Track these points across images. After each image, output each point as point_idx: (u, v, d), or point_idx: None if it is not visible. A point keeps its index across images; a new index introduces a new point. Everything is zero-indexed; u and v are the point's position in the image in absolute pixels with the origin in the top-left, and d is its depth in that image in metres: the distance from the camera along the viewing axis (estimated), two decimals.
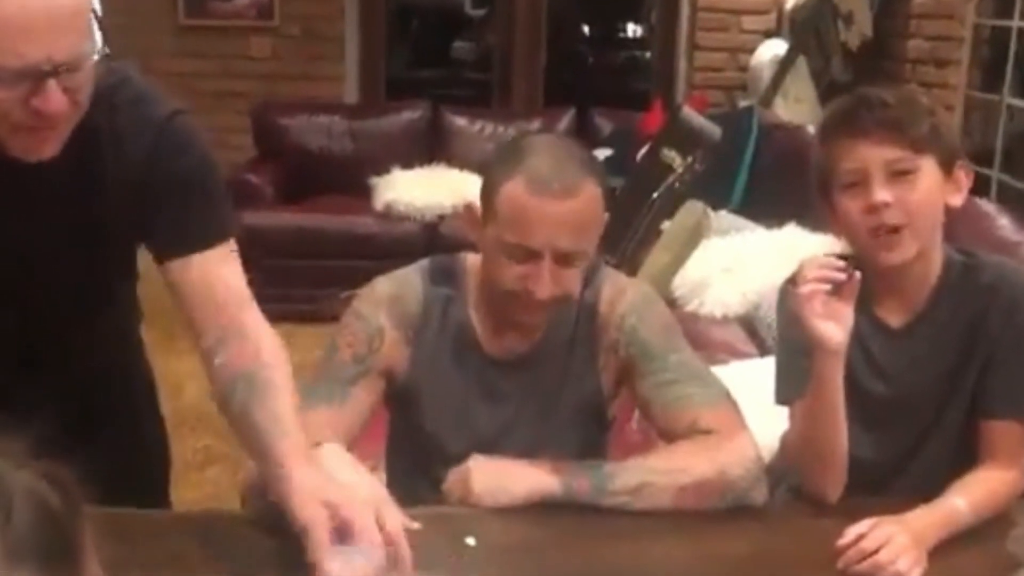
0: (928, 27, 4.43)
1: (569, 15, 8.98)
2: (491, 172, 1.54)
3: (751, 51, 5.24)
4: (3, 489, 0.56)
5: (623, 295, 1.63)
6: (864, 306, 1.55)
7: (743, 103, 5.01)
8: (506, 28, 5.88)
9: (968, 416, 1.58)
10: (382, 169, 5.08)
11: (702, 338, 3.14)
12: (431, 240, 4.62)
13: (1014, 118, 4.06)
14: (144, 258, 1.54)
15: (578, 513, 1.47)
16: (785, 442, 1.68)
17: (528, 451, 1.56)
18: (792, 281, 1.55)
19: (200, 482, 3.18)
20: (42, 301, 1.48)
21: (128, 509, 1.39)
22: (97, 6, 1.30)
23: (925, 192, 1.50)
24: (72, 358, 1.56)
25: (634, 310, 1.62)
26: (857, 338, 1.55)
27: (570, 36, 9.11)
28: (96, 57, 1.27)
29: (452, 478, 1.49)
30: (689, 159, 4.04)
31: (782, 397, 1.64)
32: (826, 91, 4.72)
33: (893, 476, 1.62)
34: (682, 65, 5.66)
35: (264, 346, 1.43)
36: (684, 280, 3.67)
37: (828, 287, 1.48)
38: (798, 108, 4.83)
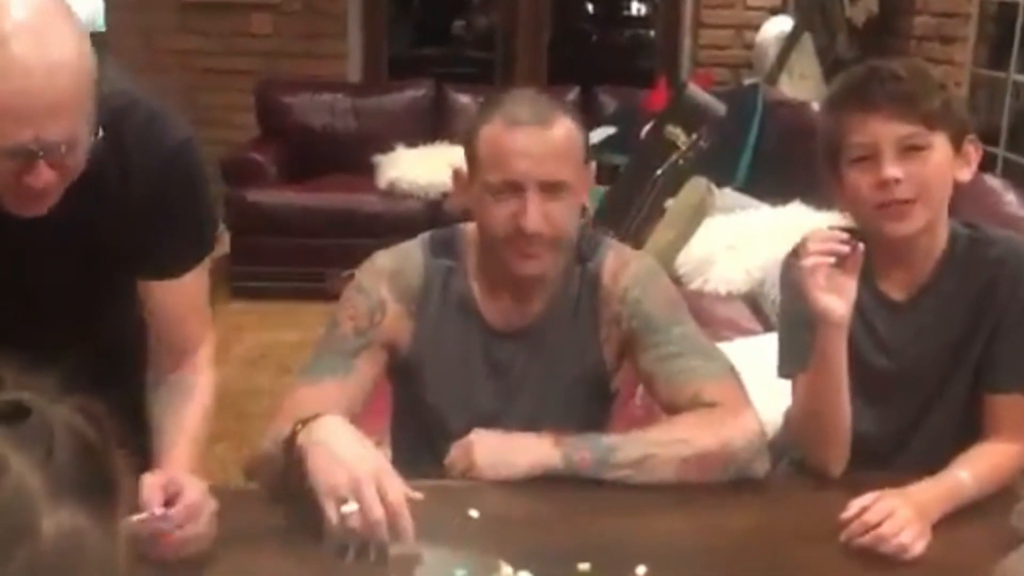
0: (934, 4, 4.40)
1: None
2: (470, 127, 1.57)
3: (756, 28, 5.22)
4: (43, 424, 0.57)
5: (627, 267, 1.63)
6: (867, 280, 1.55)
7: (748, 80, 4.99)
8: (509, 6, 5.85)
9: (972, 389, 1.57)
10: (385, 147, 5.07)
11: (706, 315, 3.14)
12: (434, 218, 4.61)
13: (1020, 95, 4.04)
14: None
15: (580, 487, 1.47)
16: (788, 416, 1.68)
17: (530, 422, 1.56)
18: (795, 254, 1.55)
19: (207, 458, 3.19)
20: (44, 320, 1.50)
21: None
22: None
23: (936, 167, 1.49)
24: (75, 371, 1.57)
25: (638, 283, 1.61)
26: (860, 312, 1.55)
27: (574, 14, 9.06)
28: (92, 138, 1.27)
29: (454, 451, 1.50)
30: (693, 136, 4.03)
31: (785, 371, 1.63)
32: (831, 68, 4.69)
33: (896, 450, 1.62)
34: (687, 43, 5.63)
35: (197, 361, 1.56)
36: (688, 257, 3.67)
37: (831, 260, 1.47)
38: (803, 85, 4.80)
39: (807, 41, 4.87)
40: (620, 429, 1.65)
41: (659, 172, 4.03)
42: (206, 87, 5.47)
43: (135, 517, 1.22)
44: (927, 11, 4.45)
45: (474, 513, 1.42)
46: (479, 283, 1.64)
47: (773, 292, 2.97)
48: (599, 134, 4.83)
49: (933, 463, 1.50)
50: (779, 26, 5.04)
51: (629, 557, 1.32)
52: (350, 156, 5.15)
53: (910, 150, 1.48)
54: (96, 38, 5.61)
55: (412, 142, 5.05)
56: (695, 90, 4.26)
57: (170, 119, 1.47)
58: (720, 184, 4.01)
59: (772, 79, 4.86)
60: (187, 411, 1.51)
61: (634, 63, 7.68)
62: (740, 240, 3.59)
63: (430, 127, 5.28)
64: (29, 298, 1.46)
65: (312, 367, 1.60)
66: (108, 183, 1.40)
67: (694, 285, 3.53)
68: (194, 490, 1.31)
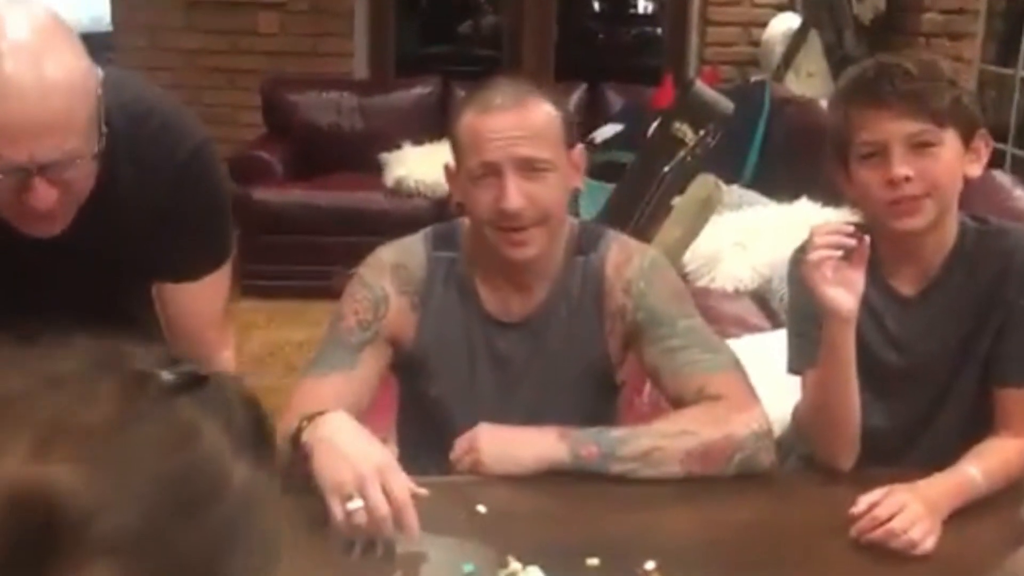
0: (942, 0, 4.39)
1: None
2: (453, 120, 1.59)
3: (763, 25, 5.20)
4: (220, 391, 0.64)
5: (631, 259, 1.63)
6: (876, 275, 1.54)
7: (755, 77, 4.98)
8: (516, 4, 5.84)
9: (981, 384, 1.57)
10: (392, 145, 5.07)
11: (714, 312, 3.13)
12: (441, 216, 4.60)
13: None
14: None
15: (587, 481, 1.47)
16: (797, 412, 1.67)
17: (534, 414, 1.56)
18: (802, 249, 1.54)
19: None
20: (65, 332, 1.50)
21: None
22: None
23: (946, 164, 1.48)
24: None
25: (643, 275, 1.61)
26: (869, 307, 1.54)
27: (580, 12, 9.06)
28: (94, 152, 1.26)
29: (460, 446, 1.49)
30: (701, 133, 4.01)
31: (794, 366, 1.63)
32: (838, 65, 4.67)
33: (906, 445, 1.61)
34: (694, 40, 5.62)
35: (216, 364, 1.53)
36: (696, 255, 3.66)
37: (838, 253, 1.46)
38: (810, 82, 4.79)
39: (814, 38, 4.86)
40: (628, 425, 1.65)
41: (666, 169, 4.01)
42: (212, 86, 5.47)
43: None
44: (935, 8, 4.44)
45: (481, 508, 1.42)
46: (480, 274, 1.64)
47: (781, 289, 2.97)
48: (606, 131, 4.83)
49: (943, 458, 1.49)
50: (786, 23, 5.03)
51: (638, 552, 1.32)
52: (357, 154, 5.14)
53: (920, 147, 1.47)
54: (102, 37, 5.60)
55: (419, 140, 5.04)
56: (702, 87, 4.24)
57: (185, 124, 1.47)
58: (727, 181, 4.00)
59: (779, 76, 4.85)
60: None
61: (641, 60, 7.67)
62: (747, 237, 3.58)
63: (437, 125, 5.26)
64: (49, 310, 1.47)
65: (318, 362, 1.60)
66: (125, 191, 1.40)
67: (702, 282, 3.52)
68: None
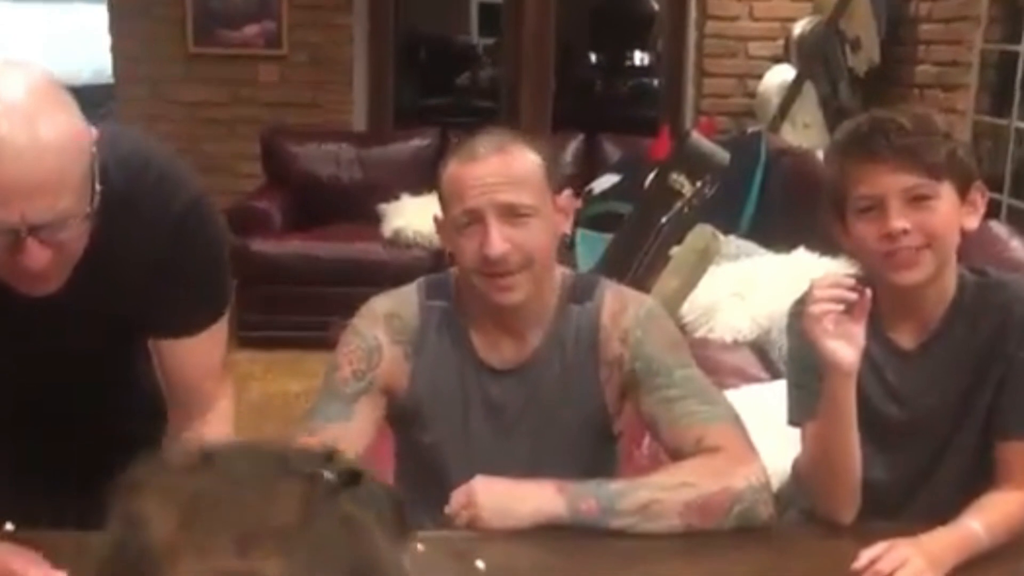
0: (936, 53, 4.43)
1: (577, 43, 9.02)
2: (439, 172, 1.61)
3: (758, 77, 5.25)
4: (373, 487, 0.71)
5: (627, 309, 1.63)
6: (876, 328, 1.54)
7: (751, 128, 5.01)
8: (514, 56, 5.90)
9: (982, 437, 1.56)
10: (390, 196, 5.09)
11: (712, 363, 3.12)
12: (439, 267, 4.58)
13: (1023, 142, 4.05)
14: None
15: (585, 535, 1.46)
16: (798, 464, 1.66)
17: (530, 462, 1.56)
18: (802, 301, 1.54)
19: None
20: (63, 386, 1.52)
21: None
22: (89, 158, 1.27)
23: (943, 217, 1.49)
24: (88, 423, 1.59)
25: (639, 324, 1.61)
26: (870, 360, 1.54)
27: (578, 64, 9.15)
28: (87, 212, 1.26)
29: (456, 500, 1.48)
30: (698, 184, 4.03)
31: (794, 418, 1.62)
32: (834, 116, 4.71)
33: (907, 498, 1.60)
34: (690, 92, 5.67)
35: (210, 418, 1.57)
36: (694, 305, 3.66)
37: (840, 307, 1.46)
38: (806, 133, 4.83)
39: (809, 90, 4.90)
40: (626, 478, 1.64)
41: (664, 220, 4.03)
42: (213, 137, 5.51)
43: None
44: (928, 60, 4.48)
45: (480, 564, 1.40)
46: (472, 322, 1.65)
47: (780, 339, 2.96)
48: (603, 182, 4.85)
49: (944, 511, 1.49)
50: (781, 75, 5.08)
51: None
52: (355, 205, 5.16)
53: (916, 200, 1.48)
54: (104, 89, 5.63)
55: (417, 191, 5.06)
56: (698, 138, 4.27)
57: (181, 178, 1.47)
58: (725, 231, 4.01)
59: (775, 127, 4.89)
60: None
61: (638, 112, 7.74)
62: (745, 287, 3.58)
63: (435, 177, 5.28)
64: (47, 364, 1.47)
65: (314, 414, 1.60)
66: (122, 246, 1.40)
67: (700, 332, 3.51)
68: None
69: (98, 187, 1.29)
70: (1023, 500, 1.51)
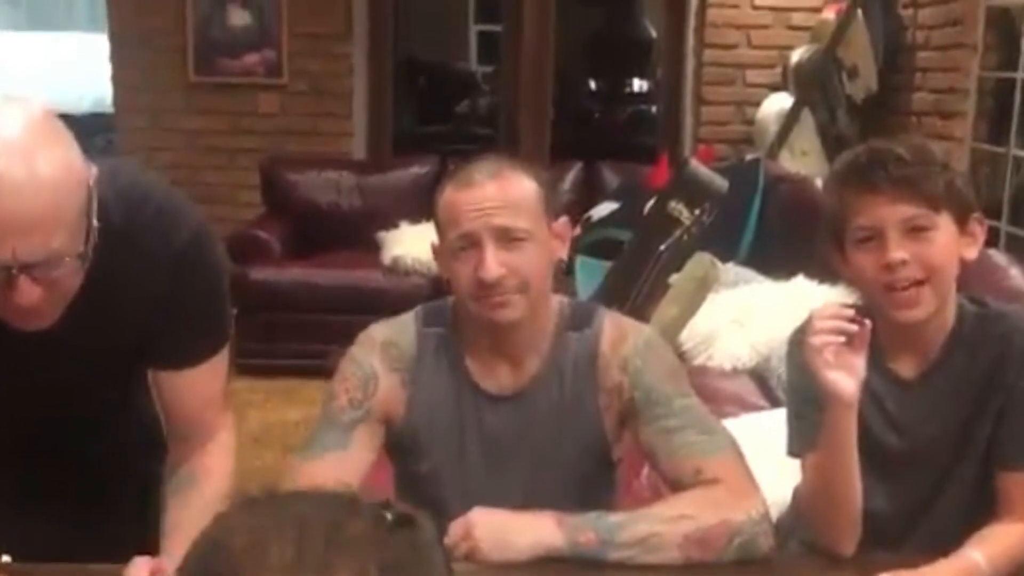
0: (933, 80, 4.45)
1: (575, 71, 9.07)
2: (436, 199, 1.60)
3: (756, 105, 5.28)
4: (428, 534, 0.78)
5: (626, 338, 1.63)
6: (876, 358, 1.54)
7: (749, 156, 5.03)
8: (512, 83, 5.92)
9: (983, 467, 1.56)
10: (390, 224, 5.10)
11: (711, 391, 3.12)
12: (439, 294, 4.58)
13: (1021, 170, 4.06)
14: None
15: (585, 568, 1.45)
16: (798, 495, 1.66)
17: (528, 489, 1.55)
18: (801, 331, 1.54)
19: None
20: (57, 408, 1.52)
21: None
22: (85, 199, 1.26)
23: (942, 248, 1.49)
24: (87, 456, 1.58)
25: (639, 354, 1.61)
26: (869, 390, 1.53)
27: (576, 91, 9.20)
28: (80, 251, 1.26)
29: (455, 531, 1.47)
30: (696, 212, 4.04)
31: (794, 449, 1.62)
32: (832, 144, 4.73)
33: (908, 529, 1.59)
34: (688, 119, 5.69)
35: (210, 450, 1.56)
36: (693, 333, 3.65)
37: (841, 339, 1.46)
38: (804, 161, 4.84)
39: (807, 117, 4.92)
40: (626, 509, 1.63)
41: (663, 248, 4.03)
42: (213, 166, 5.53)
43: None
44: (926, 87, 4.50)
45: None
46: (469, 349, 1.65)
47: (779, 367, 2.96)
48: (602, 209, 4.86)
49: (945, 542, 1.48)
50: (779, 103, 5.10)
51: None
52: (354, 233, 5.17)
53: (915, 231, 1.48)
54: (105, 118, 5.66)
55: (416, 219, 5.07)
56: (697, 166, 4.29)
57: (181, 211, 1.47)
58: (723, 258, 4.02)
59: (773, 154, 4.90)
60: (190, 503, 1.49)
61: (636, 139, 7.78)
62: (744, 315, 3.58)
63: (432, 204, 5.30)
64: (46, 396, 1.47)
65: (311, 444, 1.60)
66: (121, 280, 1.40)
67: (699, 360, 3.51)
68: None
69: (96, 223, 1.28)
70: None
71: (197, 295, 1.49)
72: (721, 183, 4.16)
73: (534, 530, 1.47)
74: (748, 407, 3.05)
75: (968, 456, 1.56)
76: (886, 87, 4.69)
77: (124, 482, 1.64)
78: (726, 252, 4.14)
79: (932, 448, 1.58)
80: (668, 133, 5.86)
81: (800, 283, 3.65)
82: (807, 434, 1.56)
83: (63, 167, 1.21)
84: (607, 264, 4.30)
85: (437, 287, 4.73)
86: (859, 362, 1.47)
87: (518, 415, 1.63)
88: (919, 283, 1.48)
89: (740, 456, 1.56)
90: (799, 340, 1.55)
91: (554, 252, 1.61)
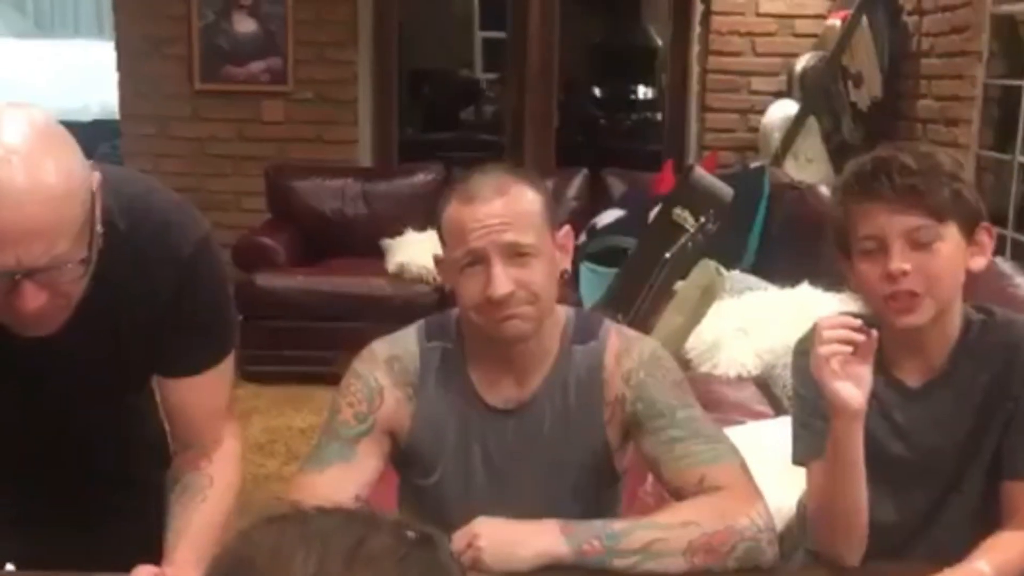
0: (938, 87, 4.44)
1: (580, 78, 9.07)
2: (438, 213, 1.60)
3: (761, 112, 5.27)
4: (446, 554, 0.80)
5: (631, 350, 1.63)
6: (882, 367, 1.53)
7: (754, 163, 5.03)
8: (517, 91, 5.93)
9: (990, 477, 1.55)
10: (395, 231, 5.11)
11: (716, 399, 3.11)
12: (444, 302, 4.61)
13: None
14: None
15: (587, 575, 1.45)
16: (803, 504, 1.65)
17: (532, 502, 1.55)
18: (807, 340, 1.54)
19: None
20: (62, 418, 1.52)
21: None
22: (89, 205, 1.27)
23: (945, 259, 1.48)
24: (92, 465, 1.58)
25: (643, 365, 1.61)
26: (875, 399, 1.53)
27: (581, 99, 9.20)
28: (84, 256, 1.26)
29: (459, 542, 1.47)
30: (701, 219, 4.04)
31: (799, 457, 1.61)
32: (837, 151, 4.73)
33: (914, 538, 1.59)
34: (693, 126, 5.69)
35: (215, 458, 1.56)
36: (698, 341, 3.65)
37: (848, 349, 1.45)
38: (809, 168, 4.83)
39: (812, 124, 4.92)
40: (629, 518, 1.63)
41: (668, 255, 4.03)
42: (218, 173, 5.55)
43: None
44: (931, 95, 4.49)
45: None
46: (473, 362, 1.64)
47: (784, 375, 2.95)
48: (607, 217, 4.86)
49: (951, 552, 1.47)
50: (784, 110, 5.10)
51: None
52: (360, 240, 5.18)
53: (918, 241, 1.47)
54: (112, 125, 5.68)
55: (421, 226, 5.08)
56: (702, 173, 4.29)
57: (185, 221, 1.47)
58: (728, 266, 4.01)
59: (778, 162, 4.90)
60: (194, 510, 1.50)
61: (641, 146, 7.77)
62: (749, 323, 3.57)
63: (436, 213, 5.30)
64: (50, 405, 1.47)
65: (316, 455, 1.60)
66: (126, 290, 1.40)
67: (704, 368, 3.51)
68: None
69: (100, 229, 1.29)
70: None
71: (202, 303, 1.49)
72: (726, 190, 4.16)
73: (538, 540, 1.46)
74: (753, 415, 3.04)
75: (974, 465, 1.56)
76: (891, 94, 4.68)
77: (129, 490, 1.64)
78: (731, 259, 4.14)
79: (938, 457, 1.57)
80: (673, 140, 5.87)
81: (805, 291, 3.64)
82: (813, 443, 1.56)
83: (66, 173, 1.21)
84: (612, 272, 4.30)
85: (442, 294, 4.75)
86: (865, 371, 1.47)
87: (522, 428, 1.63)
88: (916, 294, 1.47)
89: (743, 465, 1.56)
90: (805, 349, 1.55)
91: (559, 263, 1.61)
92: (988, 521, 1.52)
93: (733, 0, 5.34)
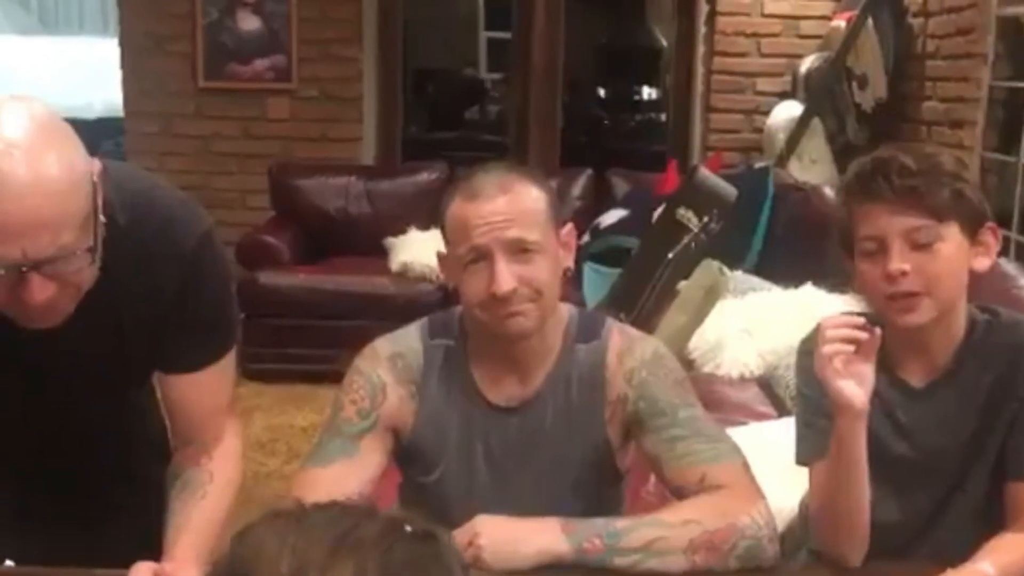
0: (943, 89, 4.44)
1: (585, 78, 9.08)
2: (441, 210, 1.60)
3: (766, 113, 5.27)
4: (447, 548, 0.80)
5: (633, 349, 1.63)
6: (885, 367, 1.53)
7: (759, 164, 5.02)
8: (522, 91, 5.93)
9: (993, 477, 1.55)
10: (398, 230, 5.11)
11: (720, 399, 3.11)
12: (447, 300, 4.61)
13: None
14: None
15: (589, 573, 1.44)
16: (805, 504, 1.65)
17: (534, 500, 1.55)
18: (810, 340, 1.54)
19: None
20: (63, 414, 1.52)
21: None
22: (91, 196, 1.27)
23: (946, 260, 1.48)
24: (92, 461, 1.58)
25: (645, 364, 1.61)
26: (879, 398, 1.53)
27: (586, 98, 9.20)
28: (90, 245, 1.26)
29: (459, 539, 1.47)
30: (705, 219, 4.04)
31: (802, 458, 1.61)
32: (842, 152, 4.72)
33: (917, 539, 1.59)
34: (697, 126, 5.69)
35: (215, 454, 1.56)
36: (701, 341, 3.65)
37: (851, 348, 1.45)
38: (814, 169, 4.83)
39: (817, 126, 4.91)
40: (630, 516, 1.63)
41: (671, 255, 4.03)
42: (222, 171, 5.55)
43: None
44: (936, 96, 4.49)
45: None
46: (476, 360, 1.65)
47: (787, 375, 2.95)
48: (611, 217, 4.86)
49: (954, 552, 1.47)
50: (788, 111, 5.09)
51: None
52: (363, 238, 5.18)
53: (918, 242, 1.47)
54: (116, 123, 5.68)
55: (424, 225, 5.08)
56: (706, 174, 4.29)
57: (188, 218, 1.47)
58: (732, 266, 4.01)
59: (782, 163, 4.89)
60: (194, 507, 1.50)
61: (646, 146, 7.77)
62: (753, 323, 3.57)
63: (438, 211, 5.30)
64: (52, 400, 1.47)
65: (319, 451, 1.60)
66: (128, 286, 1.40)
67: (707, 368, 3.50)
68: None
69: (103, 219, 1.29)
70: None
71: (205, 299, 1.49)
72: (730, 191, 4.16)
73: (540, 538, 1.46)
74: (756, 415, 3.04)
75: (978, 466, 1.55)
76: (896, 96, 4.68)
77: (129, 486, 1.64)
78: (735, 260, 4.13)
79: (941, 457, 1.57)
80: (677, 141, 5.87)
81: (809, 291, 3.64)
82: (816, 443, 1.56)
83: (67, 165, 1.21)
84: (615, 271, 4.30)
85: (445, 293, 4.74)
86: (868, 370, 1.46)
87: (524, 426, 1.63)
88: (916, 294, 1.47)
89: (744, 464, 1.56)
90: (808, 349, 1.55)
91: (562, 261, 1.61)
92: (992, 522, 1.52)
93: (738, 1, 5.34)
